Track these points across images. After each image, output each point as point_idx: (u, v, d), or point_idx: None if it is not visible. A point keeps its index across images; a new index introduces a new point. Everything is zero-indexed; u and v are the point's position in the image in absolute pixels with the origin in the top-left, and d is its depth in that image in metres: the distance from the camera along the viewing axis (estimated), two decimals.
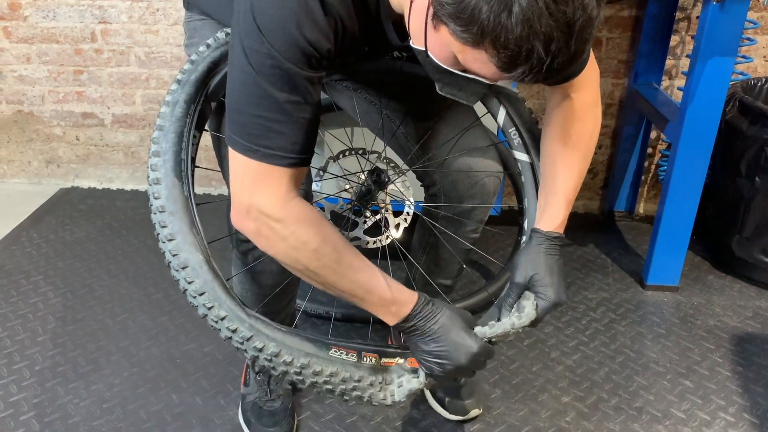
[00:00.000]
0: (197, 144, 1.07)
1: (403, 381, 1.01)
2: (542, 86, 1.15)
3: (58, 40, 2.36)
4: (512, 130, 1.24)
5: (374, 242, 1.38)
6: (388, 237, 1.33)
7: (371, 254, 1.64)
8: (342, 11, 0.90)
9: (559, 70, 0.76)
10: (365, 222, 1.39)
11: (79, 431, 1.42)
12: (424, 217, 1.36)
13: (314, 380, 0.96)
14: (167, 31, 2.31)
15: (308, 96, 0.89)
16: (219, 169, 1.22)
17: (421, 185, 1.40)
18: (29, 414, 1.46)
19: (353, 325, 1.78)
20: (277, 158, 0.89)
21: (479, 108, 1.32)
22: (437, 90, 0.89)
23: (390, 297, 0.96)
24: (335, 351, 0.98)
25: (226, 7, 1.02)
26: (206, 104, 1.10)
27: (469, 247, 1.40)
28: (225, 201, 1.07)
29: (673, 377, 1.62)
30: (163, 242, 0.97)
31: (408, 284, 1.49)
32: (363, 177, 1.28)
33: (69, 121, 2.49)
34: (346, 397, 0.99)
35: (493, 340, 1.02)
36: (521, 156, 1.24)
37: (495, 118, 1.26)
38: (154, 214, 0.99)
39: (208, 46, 1.13)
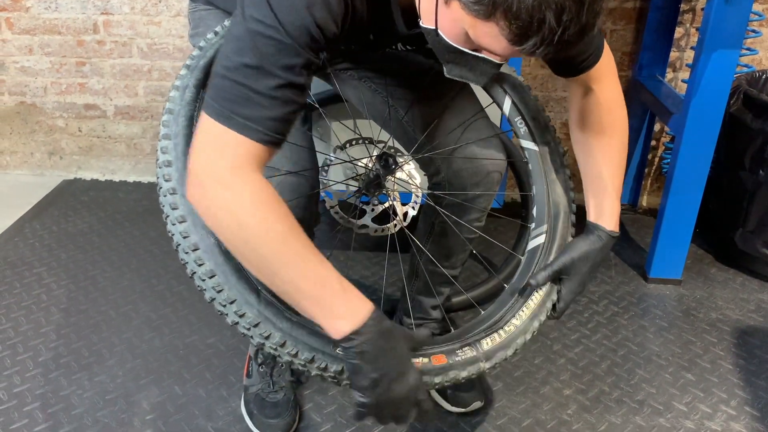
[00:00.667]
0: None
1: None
2: (548, 76, 1.14)
3: (61, 32, 2.35)
4: (518, 119, 1.24)
5: (382, 230, 1.38)
6: (396, 225, 1.32)
7: (377, 248, 1.64)
8: None
9: (570, 43, 0.76)
10: (373, 210, 1.38)
11: (82, 422, 1.43)
12: (430, 202, 1.36)
13: (319, 374, 0.94)
14: (169, 23, 2.30)
15: (299, 78, 0.86)
16: None
17: (425, 174, 1.40)
18: (33, 405, 1.47)
19: None
20: (250, 130, 0.84)
21: (484, 98, 1.31)
22: (446, 73, 0.88)
23: (343, 292, 0.85)
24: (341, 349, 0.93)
25: None
26: (289, 132, 1.09)
27: (474, 236, 1.40)
28: None
29: (675, 370, 1.62)
30: (174, 224, 0.95)
31: (414, 273, 1.50)
32: (371, 163, 1.27)
33: (71, 112, 2.49)
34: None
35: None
36: (528, 144, 1.24)
37: (500, 107, 1.26)
38: (164, 196, 0.96)
39: (216, 33, 1.12)
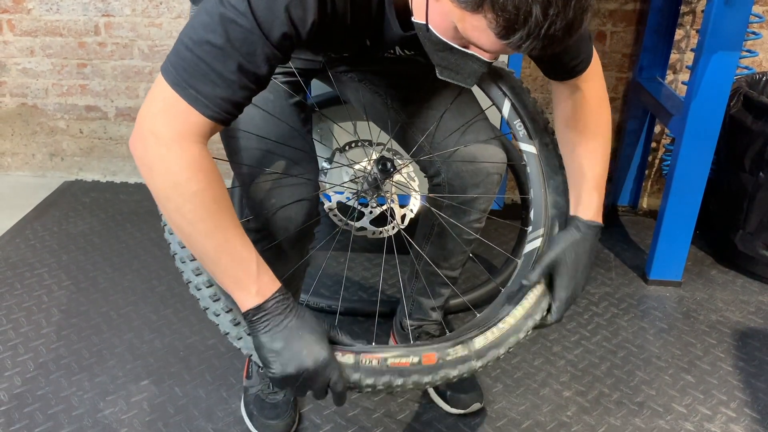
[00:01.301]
0: None
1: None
2: (548, 79, 1.15)
3: (62, 33, 2.36)
4: (517, 122, 1.24)
5: (380, 232, 1.38)
6: (394, 227, 1.32)
7: (377, 249, 1.64)
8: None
9: (556, 38, 0.76)
10: (371, 212, 1.38)
11: (83, 423, 1.43)
12: (429, 206, 1.37)
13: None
14: (170, 24, 2.31)
15: (259, 68, 0.88)
16: (227, 159, 1.23)
17: (425, 176, 1.40)
18: (33, 406, 1.47)
19: (356, 318, 1.78)
20: (201, 105, 0.86)
21: (484, 100, 1.32)
22: (437, 75, 0.90)
23: (255, 275, 0.90)
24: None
25: None
26: (238, 115, 1.08)
27: (473, 237, 1.41)
28: (231, 192, 1.07)
29: (674, 372, 1.62)
30: (171, 233, 0.97)
31: (414, 274, 1.50)
32: (369, 166, 1.28)
33: (73, 114, 2.50)
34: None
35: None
36: (527, 147, 1.24)
37: (499, 109, 1.26)
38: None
39: None
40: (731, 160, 1.98)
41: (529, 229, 1.21)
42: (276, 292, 0.91)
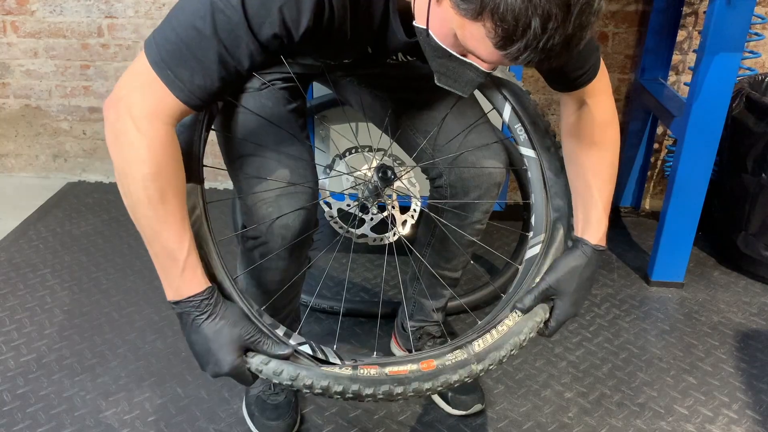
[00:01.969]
0: (205, 142, 1.06)
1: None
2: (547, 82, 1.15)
3: (65, 35, 2.37)
4: (518, 126, 1.24)
5: (381, 239, 1.38)
6: (395, 234, 1.32)
7: (378, 251, 1.64)
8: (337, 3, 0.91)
9: (555, 52, 0.76)
10: (372, 219, 1.38)
11: (85, 423, 1.44)
12: (430, 213, 1.37)
13: (306, 390, 0.96)
14: None
15: (240, 64, 0.89)
16: (225, 167, 1.23)
17: (426, 178, 1.40)
18: (36, 406, 1.48)
19: (358, 320, 1.79)
20: (176, 87, 0.88)
21: (485, 104, 1.32)
22: (435, 81, 0.90)
23: (180, 273, 0.92)
24: (327, 367, 0.96)
25: None
26: (215, 104, 1.09)
27: (475, 238, 1.41)
28: (231, 198, 1.08)
29: (676, 373, 1.62)
30: None
31: (416, 276, 1.50)
32: (369, 174, 1.28)
33: (76, 115, 2.51)
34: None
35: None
36: (527, 152, 1.23)
37: (500, 113, 1.26)
38: None
39: None
40: (733, 161, 1.98)
41: (530, 234, 1.21)
42: (195, 295, 0.92)
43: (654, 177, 2.41)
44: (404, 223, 1.29)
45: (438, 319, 1.56)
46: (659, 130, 2.32)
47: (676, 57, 2.21)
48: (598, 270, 1.10)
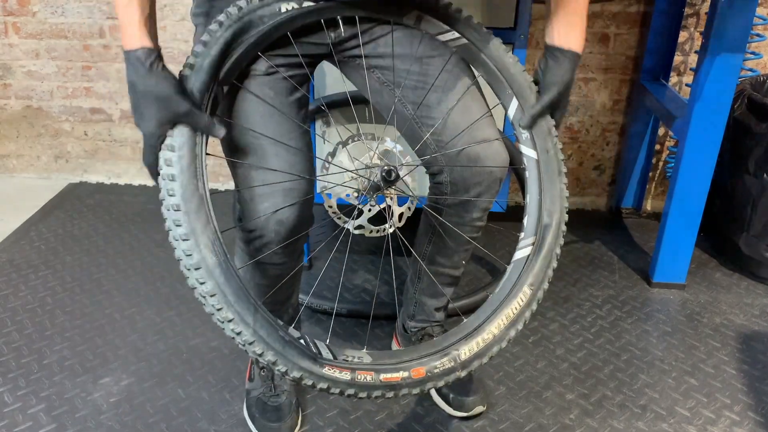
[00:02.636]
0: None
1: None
2: None
3: (67, 36, 2.37)
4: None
5: (377, 231, 1.38)
6: (391, 226, 1.32)
7: (379, 245, 1.62)
8: None
9: None
10: (369, 210, 1.38)
11: (86, 425, 1.44)
12: (429, 212, 1.36)
13: (309, 387, 1.01)
14: (174, 27, 2.32)
15: None
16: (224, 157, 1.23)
17: (426, 172, 1.40)
18: (37, 407, 1.48)
19: (358, 321, 1.78)
20: None
21: (491, 98, 1.31)
22: None
23: (133, 32, 1.01)
24: (328, 369, 1.01)
25: None
26: (219, 89, 1.07)
27: (475, 234, 1.40)
28: (231, 194, 1.07)
29: (678, 375, 1.62)
30: (176, 240, 0.97)
31: (416, 276, 1.50)
32: (371, 172, 1.26)
33: (77, 116, 2.51)
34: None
35: None
36: (528, 151, 1.23)
37: (506, 109, 1.26)
38: (168, 211, 0.97)
39: (220, 24, 1.05)
40: (735, 162, 1.98)
41: (521, 235, 1.21)
42: (140, 48, 1.01)
43: (655, 178, 2.41)
44: (401, 216, 1.28)
45: (440, 318, 1.55)
46: (661, 131, 2.32)
47: (677, 58, 2.21)
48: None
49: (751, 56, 2.13)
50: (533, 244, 1.20)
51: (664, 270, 1.95)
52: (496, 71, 1.24)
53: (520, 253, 1.21)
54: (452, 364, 1.10)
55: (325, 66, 1.58)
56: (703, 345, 1.73)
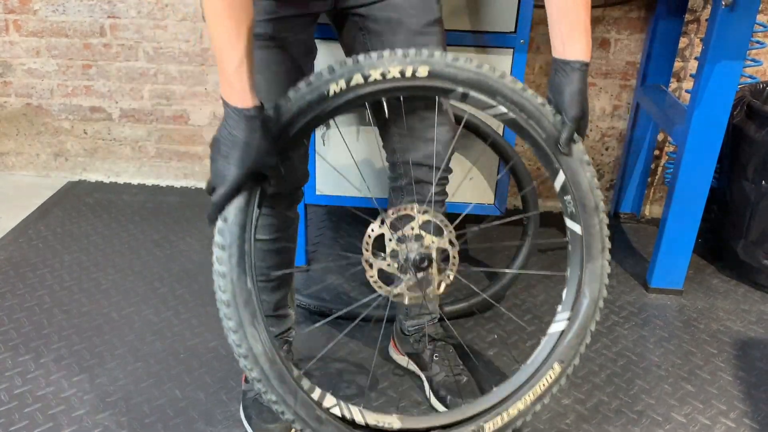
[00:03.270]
0: (258, 219, 1.13)
1: None
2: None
3: (68, 34, 2.37)
4: (568, 198, 1.24)
5: (416, 299, 1.31)
6: (430, 293, 1.28)
7: (378, 248, 1.61)
8: None
9: None
10: (408, 279, 1.31)
11: (83, 424, 1.44)
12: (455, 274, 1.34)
13: None
14: (176, 27, 2.32)
15: None
16: None
17: (391, 186, 1.49)
18: (34, 406, 1.48)
19: (358, 324, 1.78)
20: None
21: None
22: None
23: (240, 85, 1.02)
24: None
25: None
26: (265, 182, 1.12)
27: (442, 209, 1.46)
28: None
29: (674, 381, 1.62)
30: (228, 330, 1.09)
31: None
32: (407, 250, 1.23)
33: (77, 114, 2.51)
34: None
35: None
36: (573, 225, 1.25)
37: (552, 179, 1.25)
38: (220, 304, 1.09)
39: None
40: (734, 169, 1.98)
41: (559, 308, 1.28)
42: (252, 108, 1.03)
43: (654, 183, 2.41)
44: (440, 283, 1.26)
45: (433, 310, 1.56)
46: (660, 136, 2.32)
47: (677, 64, 2.22)
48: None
49: (751, 63, 2.13)
50: (569, 319, 1.26)
51: (661, 275, 1.95)
52: (545, 147, 1.21)
53: (556, 327, 1.28)
54: None
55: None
56: (700, 351, 1.73)
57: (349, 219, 2.30)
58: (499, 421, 1.24)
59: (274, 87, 1.22)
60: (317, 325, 1.75)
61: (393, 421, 1.21)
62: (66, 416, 1.46)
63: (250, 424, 1.42)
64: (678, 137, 1.83)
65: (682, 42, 2.18)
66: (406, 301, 1.24)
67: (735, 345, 1.75)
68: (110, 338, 1.70)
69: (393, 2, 1.27)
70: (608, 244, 1.25)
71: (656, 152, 2.35)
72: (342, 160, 1.83)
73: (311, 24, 1.29)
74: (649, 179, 2.38)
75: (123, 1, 2.30)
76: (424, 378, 1.57)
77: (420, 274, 1.20)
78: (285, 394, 1.12)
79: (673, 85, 2.26)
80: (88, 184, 2.56)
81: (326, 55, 1.61)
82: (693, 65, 2.22)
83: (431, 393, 1.53)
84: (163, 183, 2.58)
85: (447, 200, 1.52)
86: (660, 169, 2.39)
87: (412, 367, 1.61)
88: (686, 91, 2.24)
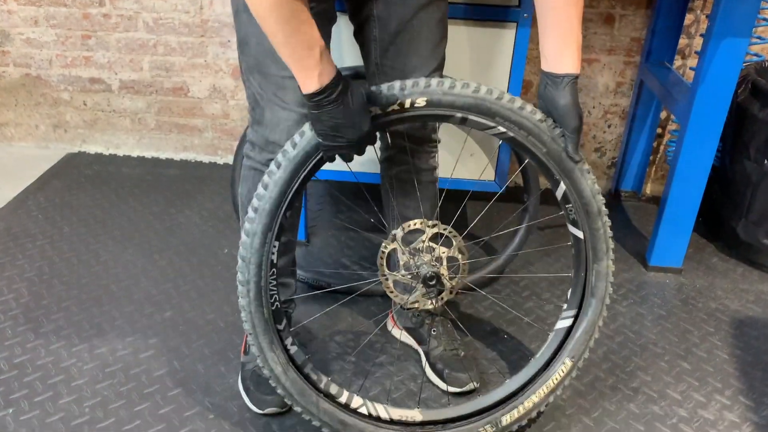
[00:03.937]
0: (278, 250, 1.22)
1: None
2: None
3: (66, 4, 2.34)
4: (569, 206, 1.27)
5: (431, 303, 1.38)
6: (442, 298, 1.35)
7: (375, 225, 1.61)
8: None
9: None
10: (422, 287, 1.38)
11: (82, 393, 1.45)
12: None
13: None
14: None
15: None
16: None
17: (379, 160, 1.51)
18: (33, 375, 1.49)
19: (355, 299, 1.79)
20: None
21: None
22: None
23: (319, 62, 1.05)
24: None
25: None
26: (284, 218, 1.20)
27: (433, 179, 1.49)
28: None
29: (671, 359, 1.63)
30: (254, 354, 1.26)
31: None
32: (418, 263, 1.32)
33: (76, 85, 2.49)
34: None
35: None
36: (575, 231, 1.30)
37: (553, 189, 1.28)
38: (245, 331, 1.24)
39: (278, 165, 1.17)
40: (736, 147, 1.97)
41: (564, 306, 1.37)
42: (334, 78, 1.06)
43: (656, 162, 2.40)
44: (452, 290, 1.34)
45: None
46: (663, 114, 2.30)
47: (682, 41, 2.19)
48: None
49: (757, 41, 2.11)
50: (575, 316, 1.35)
51: (661, 254, 1.95)
52: (544, 160, 1.23)
53: (562, 323, 1.37)
54: (494, 429, 1.33)
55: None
56: (697, 329, 1.73)
57: (349, 194, 2.29)
58: (515, 414, 1.33)
59: None
60: (312, 293, 1.75)
61: (415, 414, 1.33)
62: (65, 386, 1.47)
63: (248, 395, 1.44)
64: (681, 115, 1.82)
65: (688, 19, 2.15)
66: (420, 307, 1.36)
67: (732, 324, 1.76)
68: (109, 309, 1.71)
69: None
70: (611, 245, 1.30)
71: (659, 130, 2.33)
72: None
73: None
74: (651, 157, 2.37)
75: None
76: (421, 352, 1.58)
77: (431, 289, 1.31)
78: (307, 405, 1.27)
79: (678, 62, 2.23)
80: (87, 156, 2.55)
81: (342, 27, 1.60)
82: (698, 42, 2.20)
83: (428, 366, 1.54)
84: (163, 155, 2.57)
85: (448, 176, 1.52)
86: (662, 147, 2.38)
87: (410, 341, 1.62)
88: (691, 69, 2.22)
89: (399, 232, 1.29)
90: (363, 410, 1.31)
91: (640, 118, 2.25)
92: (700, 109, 1.73)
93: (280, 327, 1.26)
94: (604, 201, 1.27)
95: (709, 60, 1.67)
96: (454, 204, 1.66)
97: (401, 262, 1.31)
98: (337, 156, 1.17)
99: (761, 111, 1.87)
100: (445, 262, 1.30)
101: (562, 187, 1.25)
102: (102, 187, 2.31)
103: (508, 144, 1.27)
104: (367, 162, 1.87)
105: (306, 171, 1.18)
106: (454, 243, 1.30)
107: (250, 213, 1.19)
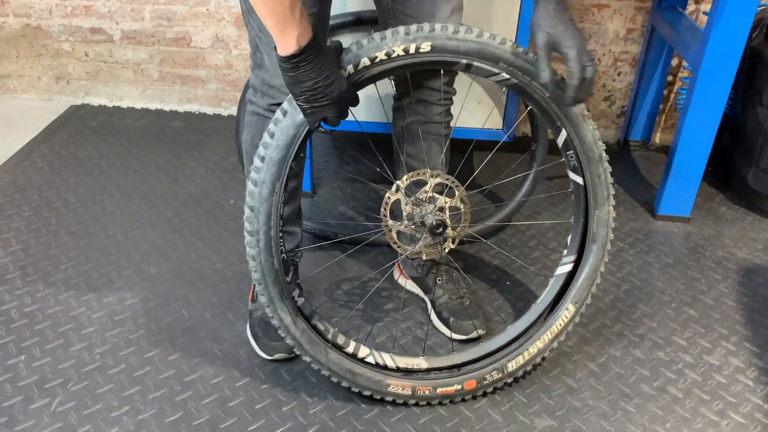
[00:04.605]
0: (285, 199, 1.21)
1: None
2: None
3: None
4: (570, 153, 1.29)
5: (434, 253, 1.38)
6: (446, 249, 1.34)
7: (382, 176, 1.60)
8: None
9: None
10: (425, 238, 1.37)
11: (92, 341, 1.46)
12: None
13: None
14: None
15: None
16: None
17: (393, 108, 1.49)
18: (44, 324, 1.50)
19: (363, 249, 1.79)
20: None
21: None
22: None
23: (299, 23, 1.02)
24: (393, 387, 1.30)
25: None
26: (289, 168, 1.18)
27: (447, 131, 1.47)
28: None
29: (677, 306, 1.63)
30: (263, 304, 1.25)
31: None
32: (423, 212, 1.31)
33: (78, 36, 2.45)
34: None
35: None
36: (575, 177, 1.32)
37: (555, 138, 1.29)
38: (254, 282, 1.24)
39: (284, 113, 1.16)
40: (748, 94, 1.93)
41: (564, 252, 1.38)
42: (311, 41, 1.04)
43: (666, 110, 2.36)
44: (454, 239, 1.34)
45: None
46: (674, 62, 2.25)
47: None
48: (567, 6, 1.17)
49: None
50: (575, 261, 1.36)
51: (669, 203, 1.93)
52: (546, 106, 1.24)
53: (562, 269, 1.38)
54: (500, 375, 1.34)
55: None
56: (705, 277, 1.73)
57: (354, 145, 2.27)
58: (520, 359, 1.35)
59: None
60: (318, 245, 1.75)
61: (420, 362, 1.35)
62: (76, 333, 1.48)
63: (256, 342, 1.45)
64: (693, 61, 1.78)
65: None
66: (424, 257, 1.37)
67: (740, 271, 1.75)
68: (117, 259, 1.72)
69: None
70: (612, 191, 1.31)
71: (669, 78, 2.29)
72: None
73: None
74: (661, 106, 2.33)
75: None
76: (427, 300, 1.59)
77: (436, 238, 1.30)
78: (316, 354, 1.28)
79: (691, 7, 2.18)
80: (91, 108, 2.53)
81: None
82: None
83: (434, 314, 1.55)
84: (167, 107, 2.55)
85: (455, 125, 1.49)
86: (673, 95, 2.34)
87: (416, 290, 1.62)
88: (704, 14, 2.16)
89: (402, 183, 1.29)
90: (370, 359, 1.33)
91: (651, 66, 2.21)
92: (713, 54, 1.69)
93: (288, 278, 1.26)
94: (604, 148, 1.29)
95: (723, 3, 1.62)
96: (460, 153, 1.64)
97: (404, 213, 1.31)
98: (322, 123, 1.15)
99: None
100: (447, 212, 1.30)
101: (564, 133, 1.26)
102: (107, 139, 2.30)
103: (512, 91, 1.26)
104: (373, 112, 1.84)
105: None
106: (457, 193, 1.30)
107: (257, 162, 1.18)
